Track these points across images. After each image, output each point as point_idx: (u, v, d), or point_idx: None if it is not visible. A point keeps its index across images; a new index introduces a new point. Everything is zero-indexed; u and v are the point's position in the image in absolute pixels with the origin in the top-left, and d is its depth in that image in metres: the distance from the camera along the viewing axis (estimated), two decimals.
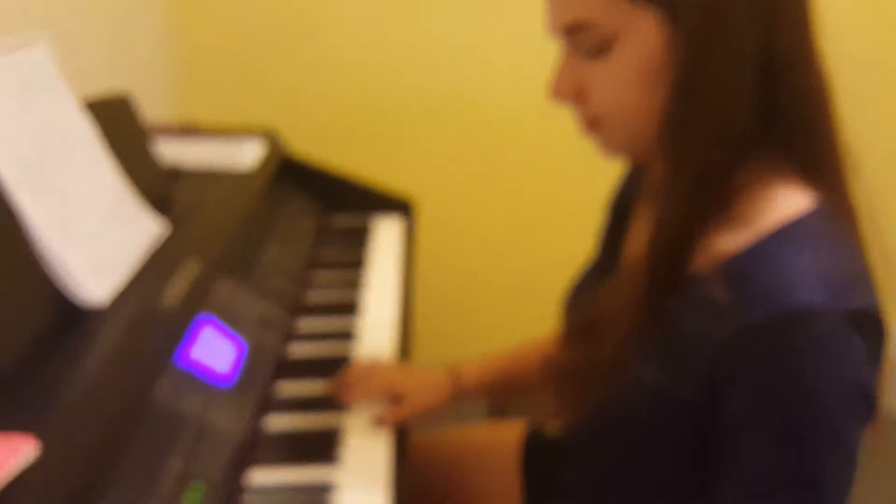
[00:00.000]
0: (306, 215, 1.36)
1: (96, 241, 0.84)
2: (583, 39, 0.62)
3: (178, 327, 0.85)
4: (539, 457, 1.03)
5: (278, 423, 0.89)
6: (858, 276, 0.59)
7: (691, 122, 0.60)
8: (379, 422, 0.89)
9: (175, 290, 0.87)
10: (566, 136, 1.86)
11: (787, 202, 0.61)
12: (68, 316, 0.77)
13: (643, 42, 0.60)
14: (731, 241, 0.61)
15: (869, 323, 0.57)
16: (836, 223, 0.61)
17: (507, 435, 1.08)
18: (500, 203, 2.03)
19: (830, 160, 0.63)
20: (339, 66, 1.88)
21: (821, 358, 0.55)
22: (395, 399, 0.93)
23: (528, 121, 1.89)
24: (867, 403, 0.58)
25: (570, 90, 0.65)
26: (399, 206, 1.45)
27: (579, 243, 1.94)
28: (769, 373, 0.57)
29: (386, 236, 1.38)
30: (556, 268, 2.06)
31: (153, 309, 0.83)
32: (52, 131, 0.86)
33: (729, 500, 0.62)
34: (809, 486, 0.57)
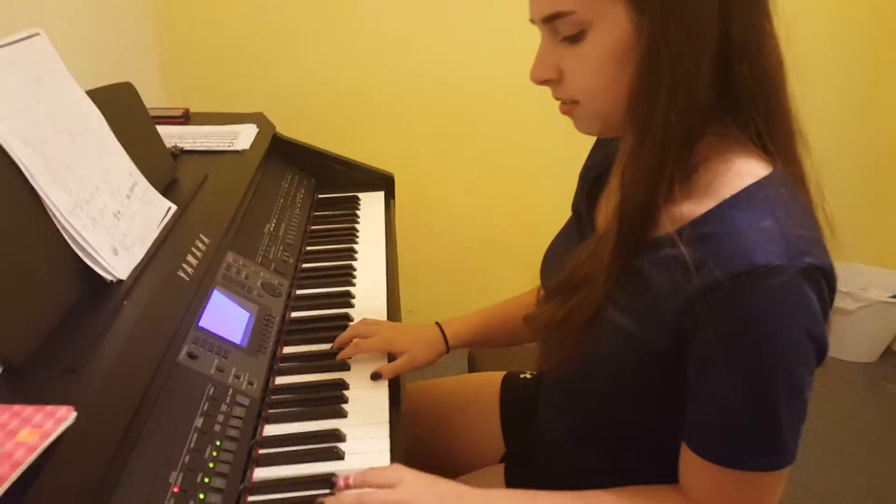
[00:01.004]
0: (300, 192, 1.33)
1: (115, 220, 0.81)
2: (560, 27, 0.62)
3: (195, 297, 0.84)
4: (516, 398, 1.04)
5: (286, 380, 0.88)
6: (811, 235, 0.60)
7: (654, 99, 0.60)
8: (376, 376, 0.89)
9: (189, 263, 0.85)
10: (532, 114, 1.88)
11: (745, 170, 0.62)
12: (93, 290, 0.75)
13: (613, 30, 0.60)
14: (694, 206, 0.62)
15: (821, 278, 0.59)
16: (789, 188, 0.62)
17: (488, 382, 1.09)
18: (472, 176, 2.02)
19: (783, 133, 0.63)
20: (320, 56, 1.83)
21: (778, 310, 0.57)
22: (392, 355, 0.93)
23: (497, 100, 1.88)
24: (818, 350, 0.60)
25: (548, 74, 0.65)
26: (382, 180, 1.44)
27: (543, 212, 1.96)
28: (732, 323, 0.58)
29: (372, 209, 1.36)
30: (520, 235, 2.09)
31: (171, 281, 0.81)
32: (65, 118, 0.82)
33: (694, 434, 0.63)
34: (767, 418, 0.60)
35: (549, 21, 0.63)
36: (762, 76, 0.61)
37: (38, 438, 0.52)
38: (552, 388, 0.87)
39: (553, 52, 0.64)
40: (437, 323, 1.00)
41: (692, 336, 0.60)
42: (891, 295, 2.13)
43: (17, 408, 0.55)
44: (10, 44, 0.78)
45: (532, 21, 0.65)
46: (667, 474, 0.70)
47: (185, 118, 1.35)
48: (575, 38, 0.62)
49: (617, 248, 0.65)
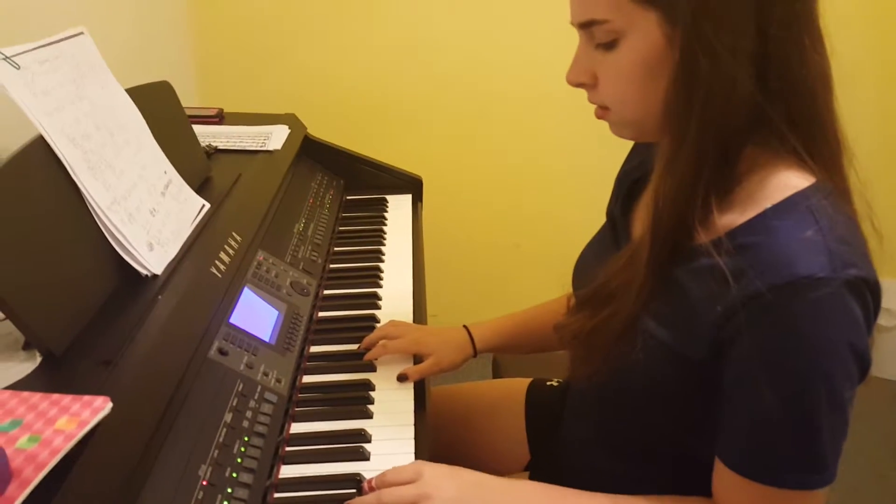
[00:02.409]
0: (329, 193, 1.35)
1: (150, 217, 0.83)
2: (595, 34, 0.62)
3: (226, 294, 0.85)
4: (542, 405, 1.04)
5: (314, 379, 0.89)
6: (856, 247, 0.59)
7: (688, 112, 0.60)
8: (402, 378, 0.90)
9: (221, 260, 0.86)
10: (561, 117, 1.88)
11: (787, 181, 0.61)
12: (129, 284, 0.77)
13: (645, 40, 0.60)
14: (735, 217, 0.61)
15: (866, 291, 0.58)
16: (832, 199, 0.61)
17: (514, 388, 1.08)
18: (499, 178, 2.02)
19: (826, 146, 0.62)
20: (351, 58, 1.85)
21: (821, 322, 0.56)
22: (418, 357, 0.93)
23: (525, 102, 1.88)
24: (861, 365, 0.58)
25: (583, 77, 0.66)
26: (410, 183, 1.44)
27: (570, 216, 1.95)
28: (773, 334, 0.57)
29: (399, 211, 1.37)
30: (546, 240, 2.09)
31: (204, 278, 0.82)
32: (105, 115, 0.85)
33: (728, 448, 0.63)
34: (807, 434, 0.58)
35: (585, 27, 0.63)
36: (803, 90, 0.60)
37: (76, 427, 0.53)
38: (580, 396, 0.87)
39: (589, 57, 0.64)
40: (464, 326, 1.00)
41: (730, 347, 0.60)
42: None
43: (55, 396, 0.57)
44: (55, 42, 0.81)
45: (572, 24, 0.65)
46: (693, 486, 0.69)
47: (220, 118, 1.37)
48: (609, 46, 0.62)
49: (651, 258, 0.64)
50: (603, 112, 0.67)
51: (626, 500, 0.70)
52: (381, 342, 0.93)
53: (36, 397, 0.57)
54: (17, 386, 0.61)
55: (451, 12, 1.82)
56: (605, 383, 0.71)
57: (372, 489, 0.69)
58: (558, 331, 0.77)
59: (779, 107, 0.60)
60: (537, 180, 2.00)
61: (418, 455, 0.78)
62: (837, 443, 0.59)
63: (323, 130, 1.47)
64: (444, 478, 0.68)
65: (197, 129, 1.16)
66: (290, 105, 1.49)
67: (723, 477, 0.64)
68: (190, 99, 1.69)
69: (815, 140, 0.61)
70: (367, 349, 0.93)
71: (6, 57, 0.71)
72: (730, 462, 0.62)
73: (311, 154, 1.40)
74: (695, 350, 0.62)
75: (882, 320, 2.22)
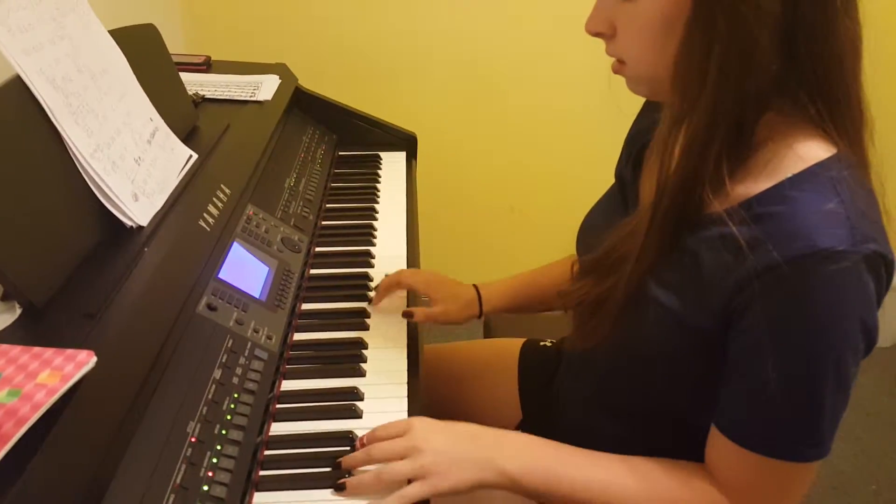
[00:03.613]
0: (321, 148, 1.30)
1: (135, 166, 0.79)
2: None
3: (214, 248, 0.82)
4: (535, 365, 1.03)
5: (305, 336, 0.87)
6: (876, 221, 0.57)
7: (703, 73, 0.56)
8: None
9: (210, 213, 0.83)
10: (559, 79, 1.83)
11: (807, 151, 0.58)
12: (113, 235, 0.74)
13: None
14: (751, 185, 0.59)
15: (882, 266, 0.56)
16: (854, 171, 0.58)
17: (507, 348, 1.07)
18: (495, 140, 1.98)
19: (849, 119, 0.59)
20: (345, 8, 1.78)
21: (838, 296, 0.54)
22: (427, 301, 0.93)
23: (524, 63, 1.83)
24: (868, 341, 0.57)
25: (601, 27, 0.63)
26: (404, 140, 1.40)
27: (566, 179, 1.92)
28: (788, 307, 0.55)
29: (393, 169, 1.34)
30: (542, 203, 2.06)
31: (192, 231, 0.79)
32: (88, 56, 0.80)
33: (728, 416, 0.62)
34: (810, 408, 0.58)
35: None
36: (830, 57, 0.57)
37: (59, 381, 0.51)
38: (580, 357, 0.85)
39: (609, 6, 0.61)
40: (474, 285, 0.98)
41: (740, 317, 0.58)
42: None
43: (37, 350, 0.54)
44: None
45: None
46: (687, 450, 0.69)
47: (207, 66, 1.31)
48: None
49: (658, 226, 0.62)
50: (620, 66, 0.64)
51: (619, 459, 0.70)
52: (397, 271, 0.92)
53: (16, 350, 0.54)
54: None
55: None
56: (609, 348, 0.69)
57: (364, 446, 0.68)
58: (562, 297, 0.75)
59: (802, 73, 0.57)
60: (535, 142, 1.96)
61: (411, 413, 0.76)
62: (837, 417, 0.59)
63: (315, 83, 1.41)
64: (434, 431, 0.68)
65: (183, 76, 1.11)
66: (281, 55, 1.43)
67: (718, 445, 0.63)
68: (176, 45, 1.62)
69: (839, 109, 0.59)
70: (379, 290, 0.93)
71: None
72: (728, 430, 0.62)
73: (303, 107, 1.35)
74: (703, 319, 0.60)
75: None
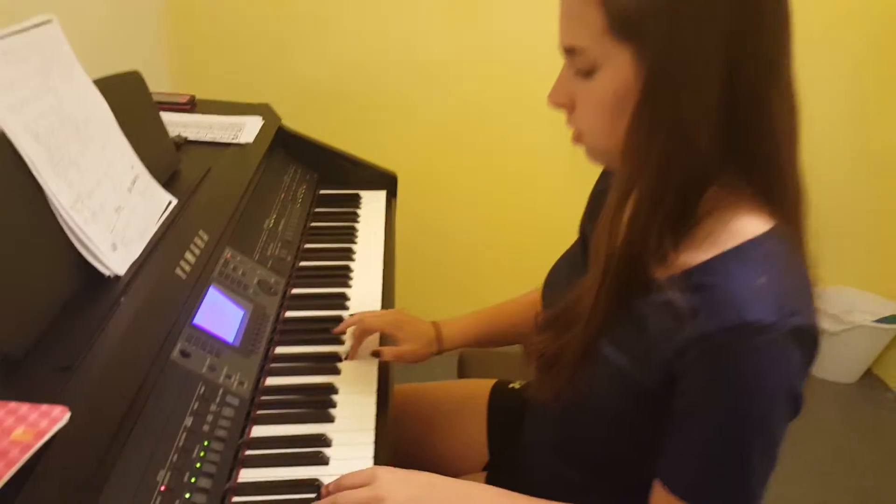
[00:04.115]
0: (302, 187, 1.33)
1: (115, 215, 0.82)
2: (576, 61, 0.63)
3: (191, 294, 0.84)
4: (504, 407, 1.06)
5: (277, 381, 0.89)
6: (803, 295, 0.61)
7: (649, 149, 0.61)
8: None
9: (187, 260, 0.85)
10: (537, 118, 1.88)
11: (747, 224, 0.63)
12: (91, 285, 0.76)
13: (618, 73, 0.60)
14: (694, 255, 0.63)
15: (808, 338, 0.60)
16: (787, 245, 0.63)
17: (477, 389, 1.10)
18: (473, 176, 2.02)
19: (786, 193, 0.64)
20: (328, 47, 1.83)
21: (763, 366, 0.58)
22: (392, 340, 0.96)
23: (502, 102, 1.88)
24: (795, 406, 0.61)
25: (561, 99, 0.67)
26: (385, 179, 1.44)
27: (542, 216, 1.96)
28: (719, 374, 0.59)
29: (373, 208, 1.37)
30: (518, 239, 2.10)
31: (168, 278, 0.81)
32: (72, 108, 0.83)
33: (669, 470, 0.65)
34: (739, 467, 0.61)
35: (568, 52, 0.64)
36: (767, 143, 0.61)
37: (33, 437, 0.53)
38: (541, 406, 0.88)
39: (569, 82, 0.65)
40: (434, 323, 1.01)
41: (681, 378, 0.62)
42: (874, 319, 2.16)
43: (13, 405, 0.56)
44: (23, 30, 0.78)
45: (559, 47, 0.66)
46: (641, 498, 0.72)
47: (191, 105, 1.34)
48: (587, 74, 0.63)
49: (604, 291, 0.66)
50: (578, 137, 0.68)
51: None
52: (358, 315, 0.95)
53: None
54: None
55: (431, 6, 1.81)
56: (566, 400, 0.72)
57: (329, 493, 0.71)
58: (526, 348, 0.79)
59: (740, 155, 0.61)
60: (512, 180, 2.01)
61: (377, 461, 0.79)
62: (766, 475, 0.62)
63: (298, 121, 1.45)
64: (397, 481, 0.70)
65: (167, 116, 1.14)
66: (264, 93, 1.46)
67: (659, 494, 0.67)
68: (162, 83, 1.65)
69: (775, 188, 0.63)
70: (342, 328, 0.96)
71: None
72: (667, 482, 0.65)
73: (285, 146, 1.38)
74: (650, 378, 0.64)
75: (829, 325, 2.30)
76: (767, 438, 0.60)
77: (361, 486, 0.69)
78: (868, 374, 2.26)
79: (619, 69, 0.60)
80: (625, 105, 0.61)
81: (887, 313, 2.18)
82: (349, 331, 0.98)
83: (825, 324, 1.98)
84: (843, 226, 2.15)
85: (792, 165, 0.63)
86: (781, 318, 0.57)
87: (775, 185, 0.63)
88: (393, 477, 0.70)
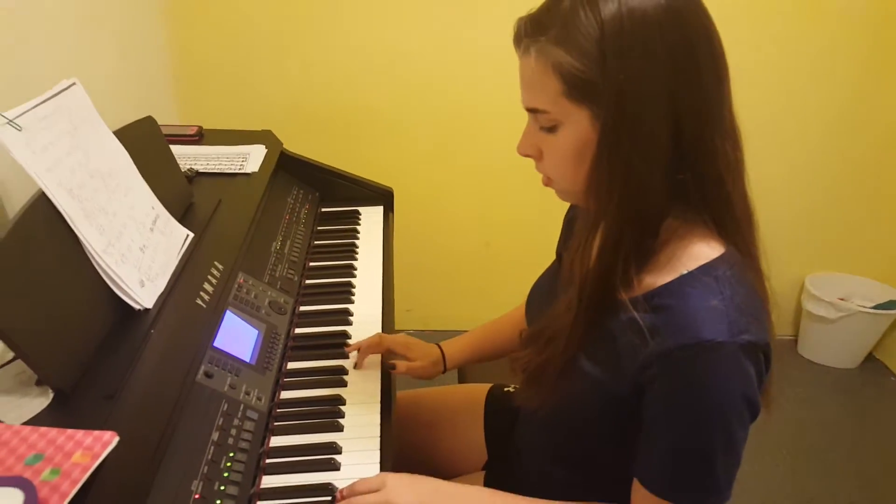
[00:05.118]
0: (304, 207, 1.45)
1: (141, 254, 0.93)
2: (539, 119, 0.73)
3: (210, 320, 0.96)
4: (499, 409, 1.17)
5: (291, 395, 1.01)
6: (754, 313, 0.69)
7: (609, 196, 0.70)
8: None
9: (205, 289, 0.97)
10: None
11: (700, 251, 0.72)
12: (124, 318, 0.88)
13: (578, 130, 0.70)
14: (655, 278, 0.73)
15: (758, 352, 0.68)
16: (739, 269, 0.72)
17: (475, 393, 1.21)
18: (470, 183, 2.13)
19: (735, 222, 0.73)
20: (324, 72, 1.93)
21: (718, 379, 0.68)
22: (404, 358, 1.09)
23: (493, 112, 1.98)
24: (752, 412, 0.71)
25: (530, 150, 0.77)
26: (382, 195, 1.55)
27: (535, 217, 2.06)
28: (678, 386, 0.69)
29: (371, 223, 1.48)
30: (513, 239, 2.20)
31: (190, 307, 0.93)
32: (98, 161, 0.94)
33: (642, 468, 0.76)
34: (703, 467, 0.71)
35: (531, 112, 0.74)
36: (712, 177, 0.71)
37: (90, 459, 0.65)
38: (528, 413, 0.99)
39: (535, 135, 0.75)
40: (438, 345, 1.13)
41: (647, 389, 0.72)
42: (873, 305, 2.24)
43: (70, 431, 0.68)
44: (52, 97, 0.90)
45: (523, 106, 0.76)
46: (624, 495, 0.83)
47: (199, 136, 1.46)
48: (550, 130, 0.73)
49: (581, 312, 0.76)
50: (548, 181, 0.79)
51: None
52: (378, 334, 1.07)
53: (53, 432, 0.68)
54: (35, 421, 0.72)
55: (423, 28, 1.90)
56: (550, 409, 0.83)
57: (343, 497, 0.82)
58: (511, 362, 0.89)
59: (691, 191, 0.71)
60: (505, 184, 2.11)
61: (383, 465, 0.90)
62: (730, 472, 0.72)
63: (297, 142, 1.56)
64: (403, 486, 0.81)
65: (178, 149, 1.26)
66: (266, 118, 1.57)
67: (636, 490, 0.77)
68: (170, 114, 1.76)
69: (723, 218, 0.73)
70: (357, 353, 1.08)
71: (9, 120, 0.80)
72: (642, 479, 0.76)
73: (287, 168, 1.49)
74: (621, 389, 0.74)
75: (827, 313, 2.38)
76: (728, 442, 0.70)
77: (372, 490, 0.80)
78: (871, 359, 2.34)
79: (577, 126, 0.70)
80: (585, 155, 0.71)
81: (885, 299, 2.27)
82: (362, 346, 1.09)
83: (823, 311, 2.13)
84: (841, 213, 2.23)
85: (738, 194, 0.73)
86: (732, 335, 0.67)
87: (724, 213, 0.73)
88: (400, 482, 0.81)
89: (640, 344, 0.71)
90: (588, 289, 0.75)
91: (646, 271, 0.74)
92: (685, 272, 0.72)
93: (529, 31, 0.71)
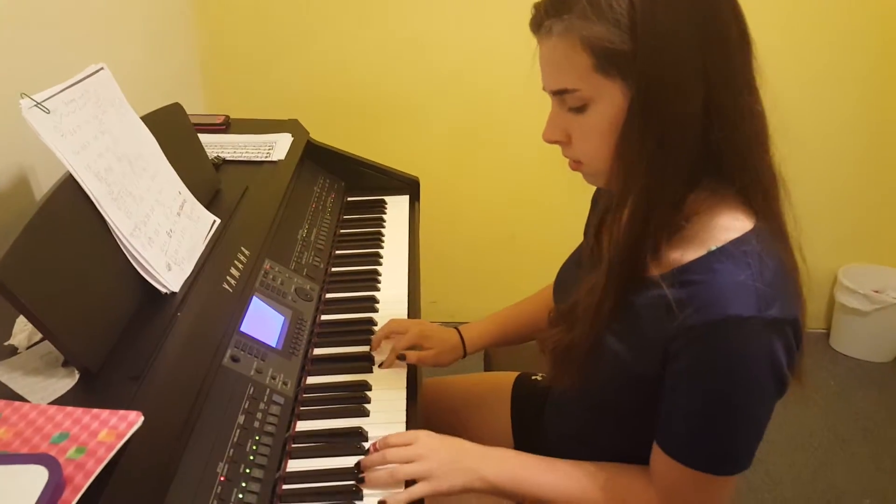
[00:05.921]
0: (330, 196, 1.43)
1: (167, 238, 0.92)
2: (567, 100, 0.71)
3: (237, 304, 0.94)
4: (526, 397, 1.15)
5: (317, 380, 0.99)
6: (781, 288, 0.67)
7: (639, 165, 0.68)
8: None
9: (232, 274, 0.96)
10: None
11: (729, 225, 0.70)
12: (151, 302, 0.87)
13: (611, 105, 0.68)
14: (683, 254, 0.71)
15: (786, 327, 0.67)
16: (768, 243, 0.69)
17: (501, 381, 1.19)
18: (495, 173, 2.10)
19: (764, 193, 0.71)
20: (350, 60, 1.92)
21: (743, 355, 0.66)
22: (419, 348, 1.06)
23: (518, 101, 1.94)
24: (779, 387, 0.69)
25: (557, 136, 0.75)
26: (408, 184, 1.52)
27: (560, 208, 2.03)
28: (703, 360, 0.67)
29: (397, 212, 1.46)
30: (539, 231, 2.17)
31: (217, 292, 0.92)
32: (125, 145, 0.93)
33: (663, 434, 0.74)
34: (721, 436, 0.70)
35: (557, 94, 0.71)
36: (741, 144, 0.68)
37: (115, 438, 0.63)
38: (561, 395, 0.97)
39: (562, 119, 0.73)
40: (456, 328, 1.10)
41: (672, 362, 0.70)
42: None
43: (95, 411, 0.67)
44: (79, 81, 0.89)
45: (544, 90, 0.73)
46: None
47: (226, 125, 1.45)
48: (580, 110, 0.70)
49: (609, 288, 0.74)
50: (576, 165, 0.76)
51: (573, 464, 0.83)
52: (392, 346, 1.04)
53: (79, 412, 0.67)
54: (62, 401, 0.71)
55: (447, 16, 1.88)
56: (579, 389, 0.81)
57: (377, 450, 0.83)
58: (540, 342, 0.87)
59: (721, 157, 0.69)
60: (531, 176, 2.07)
61: None
62: (751, 443, 0.71)
63: (324, 131, 1.54)
64: (435, 442, 0.83)
65: (205, 138, 1.25)
66: (293, 107, 1.56)
67: (656, 455, 0.76)
68: (197, 103, 1.76)
69: (754, 187, 0.70)
70: (375, 351, 1.05)
71: (37, 103, 0.79)
72: (662, 444, 0.74)
73: (314, 158, 1.48)
74: (648, 366, 0.72)
75: (861, 305, 2.31)
76: (749, 415, 0.69)
77: (406, 444, 0.82)
78: None
79: (610, 101, 0.68)
80: (618, 129, 0.69)
81: None
82: (383, 343, 1.07)
83: (857, 303, 2.05)
84: (875, 204, 2.16)
85: (764, 165, 0.70)
86: (759, 311, 0.65)
87: (751, 185, 0.70)
88: (432, 438, 0.83)
89: (667, 318, 0.69)
90: (617, 264, 0.73)
91: (674, 245, 0.71)
92: (714, 248, 0.69)
93: (552, 11, 0.69)
